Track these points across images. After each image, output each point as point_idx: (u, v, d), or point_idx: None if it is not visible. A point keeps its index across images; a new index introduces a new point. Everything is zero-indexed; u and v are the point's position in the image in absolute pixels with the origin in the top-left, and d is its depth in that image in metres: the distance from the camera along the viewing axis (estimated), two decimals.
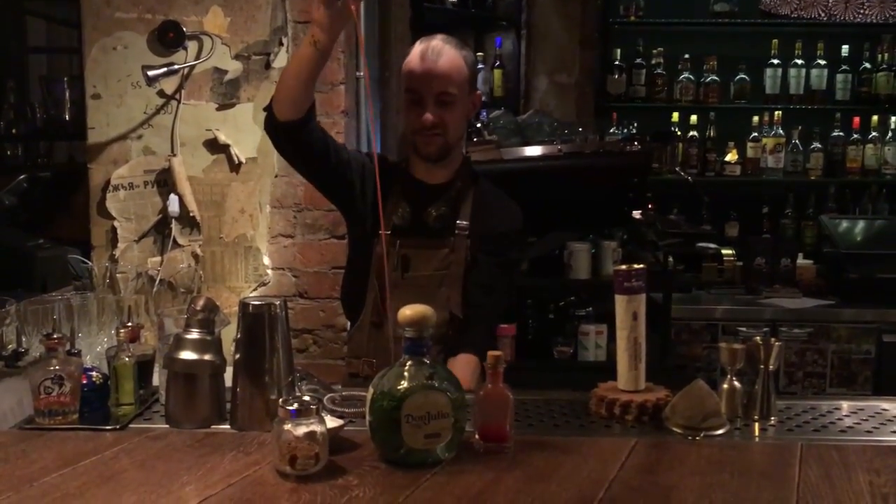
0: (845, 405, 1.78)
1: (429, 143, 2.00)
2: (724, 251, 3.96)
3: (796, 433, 1.61)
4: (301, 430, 1.34)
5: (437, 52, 1.98)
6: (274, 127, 1.97)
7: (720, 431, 1.58)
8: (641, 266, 1.71)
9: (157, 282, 2.88)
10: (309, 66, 1.86)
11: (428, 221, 2.04)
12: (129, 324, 1.77)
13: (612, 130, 3.95)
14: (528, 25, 4.19)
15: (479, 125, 3.50)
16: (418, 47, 2.01)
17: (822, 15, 4.07)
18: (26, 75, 3.90)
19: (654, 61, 4.20)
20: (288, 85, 1.91)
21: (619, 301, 1.70)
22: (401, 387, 1.38)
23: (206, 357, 1.62)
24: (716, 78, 4.17)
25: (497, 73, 4.06)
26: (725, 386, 1.67)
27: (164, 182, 2.92)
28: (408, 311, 1.42)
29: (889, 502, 1.27)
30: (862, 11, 4.04)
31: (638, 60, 4.19)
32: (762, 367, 1.67)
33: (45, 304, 1.93)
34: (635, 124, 4.08)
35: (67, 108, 3.61)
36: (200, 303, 1.65)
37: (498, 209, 2.09)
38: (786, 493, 1.30)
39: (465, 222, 2.02)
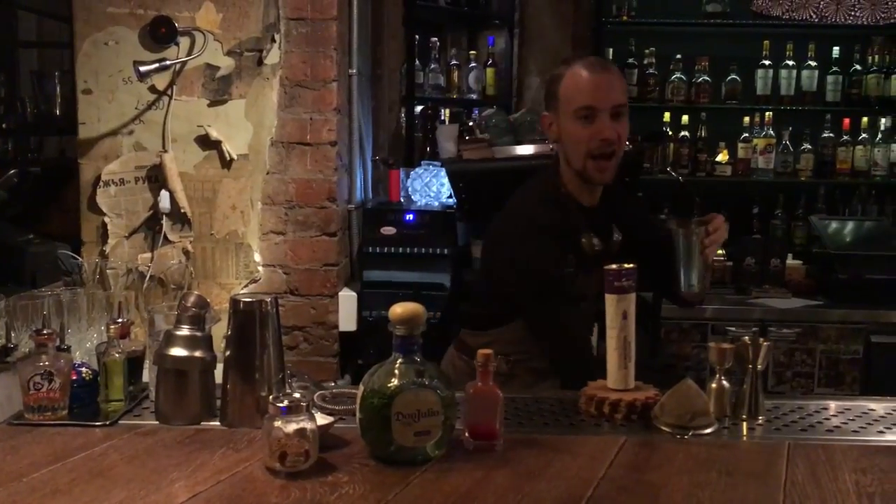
0: (833, 405, 1.79)
1: (604, 168, 1.93)
2: None
3: (784, 433, 1.62)
4: (291, 427, 1.34)
5: (602, 65, 1.94)
6: None
7: (708, 430, 1.59)
8: (632, 265, 1.71)
9: (147, 278, 2.87)
10: None
11: (612, 250, 2.02)
12: (120, 320, 1.77)
13: None
14: (520, 24, 4.20)
15: (471, 124, 3.51)
16: (575, 67, 1.93)
17: (814, 16, 4.09)
18: (17, 70, 3.88)
19: (646, 61, 4.21)
20: None
21: (609, 300, 1.70)
22: (391, 384, 1.38)
23: (197, 353, 1.62)
24: (707, 78, 4.18)
25: (490, 71, 4.06)
26: (714, 385, 1.67)
27: (155, 178, 2.91)
28: (398, 310, 1.42)
29: (875, 501, 1.28)
30: (853, 13, 4.06)
31: (630, 60, 4.20)
32: (750, 366, 1.68)
33: (35, 299, 1.92)
34: None
35: (58, 103, 3.59)
36: (191, 299, 1.65)
37: (630, 196, 2.10)
38: (773, 492, 1.31)
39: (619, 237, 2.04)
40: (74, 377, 1.67)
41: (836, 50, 4.12)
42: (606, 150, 1.90)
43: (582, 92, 1.90)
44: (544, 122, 2.03)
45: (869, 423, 1.67)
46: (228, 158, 2.92)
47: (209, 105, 2.91)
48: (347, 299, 3.05)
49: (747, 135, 4.16)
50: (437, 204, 3.37)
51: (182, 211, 2.90)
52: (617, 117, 1.91)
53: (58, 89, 3.58)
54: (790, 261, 3.95)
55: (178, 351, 1.61)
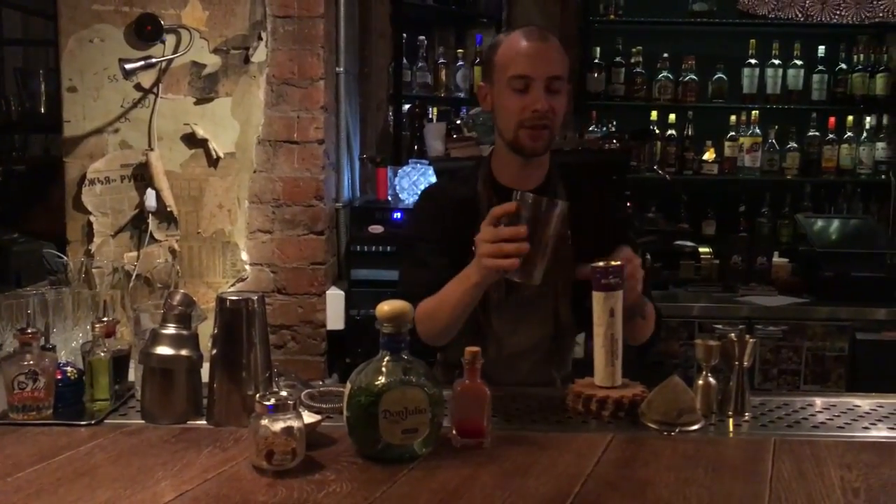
0: (818, 401, 1.80)
1: (537, 136, 1.82)
2: (701, 249, 3.99)
3: (770, 429, 1.63)
4: (278, 426, 1.33)
5: (542, 34, 1.85)
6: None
7: (695, 427, 1.60)
8: (619, 263, 1.71)
9: (133, 277, 2.86)
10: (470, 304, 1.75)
11: None
12: (105, 319, 1.75)
13: (591, 128, 3.97)
14: (508, 23, 4.20)
15: (458, 122, 3.50)
16: (513, 35, 1.86)
17: (799, 16, 4.11)
18: (1, 67, 3.86)
19: (633, 60, 4.21)
20: (445, 325, 1.79)
21: (597, 298, 1.70)
22: (378, 382, 1.38)
23: (183, 352, 1.61)
24: (694, 77, 4.20)
25: (477, 70, 4.06)
26: (701, 382, 1.68)
27: (141, 176, 2.90)
28: (385, 307, 1.42)
29: (859, 496, 1.29)
30: (838, 13, 4.08)
31: (617, 59, 4.21)
32: (737, 363, 1.69)
33: (20, 298, 1.90)
34: (614, 122, 4.10)
35: (43, 101, 3.58)
36: (177, 298, 1.64)
37: (597, 200, 1.94)
38: (759, 487, 1.32)
39: (568, 231, 1.85)
40: (59, 376, 1.65)
41: (821, 49, 4.14)
42: (538, 123, 1.82)
43: (517, 60, 1.82)
44: (480, 93, 1.94)
45: (854, 420, 1.68)
46: (215, 157, 2.91)
47: (195, 103, 2.90)
48: (335, 298, 3.04)
49: (734, 133, 4.18)
50: None
51: (168, 209, 2.89)
52: (553, 92, 1.82)
53: (42, 87, 3.56)
54: (776, 259, 3.97)
55: (164, 350, 1.60)
